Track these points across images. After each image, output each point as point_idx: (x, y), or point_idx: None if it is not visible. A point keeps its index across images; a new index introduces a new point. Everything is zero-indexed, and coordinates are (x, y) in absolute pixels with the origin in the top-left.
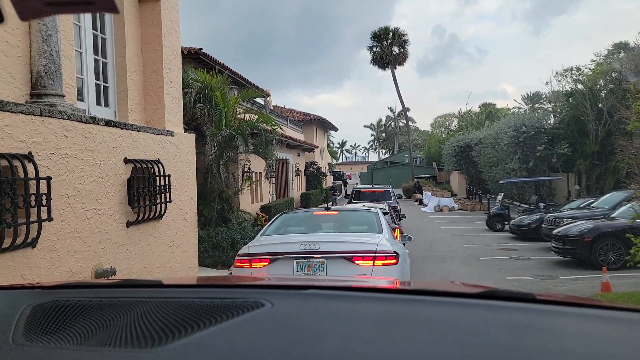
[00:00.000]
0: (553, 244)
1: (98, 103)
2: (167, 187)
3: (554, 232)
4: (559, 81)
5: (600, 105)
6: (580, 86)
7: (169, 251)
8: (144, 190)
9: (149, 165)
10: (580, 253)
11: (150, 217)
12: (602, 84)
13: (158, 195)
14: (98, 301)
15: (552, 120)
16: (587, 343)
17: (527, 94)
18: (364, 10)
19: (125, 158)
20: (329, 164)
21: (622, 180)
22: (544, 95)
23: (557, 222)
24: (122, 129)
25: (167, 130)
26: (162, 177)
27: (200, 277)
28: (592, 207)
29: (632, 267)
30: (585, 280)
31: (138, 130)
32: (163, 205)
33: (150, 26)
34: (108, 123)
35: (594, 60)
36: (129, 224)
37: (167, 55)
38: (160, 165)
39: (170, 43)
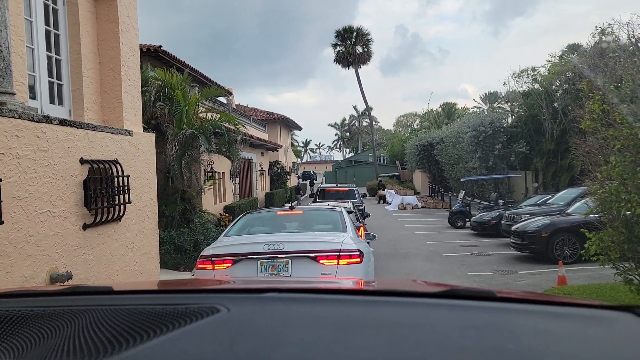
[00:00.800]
0: (512, 240)
1: (52, 101)
2: (126, 188)
3: (513, 228)
4: (516, 81)
5: (555, 104)
6: (536, 86)
7: (128, 254)
8: (102, 191)
9: (107, 166)
10: (538, 248)
11: (109, 219)
12: (557, 84)
13: (116, 197)
14: (40, 311)
15: (509, 120)
16: (546, 341)
17: (486, 94)
18: (328, 9)
19: (82, 158)
20: (293, 163)
21: (577, 177)
22: (501, 95)
23: (515, 218)
24: (77, 128)
25: (126, 130)
26: (120, 178)
27: (155, 281)
28: (549, 203)
29: (586, 261)
30: (542, 275)
31: (95, 130)
32: (122, 206)
33: (107, 22)
34: (62, 122)
35: (549, 61)
36: (85, 227)
37: (124, 53)
38: (118, 165)
39: (128, 40)
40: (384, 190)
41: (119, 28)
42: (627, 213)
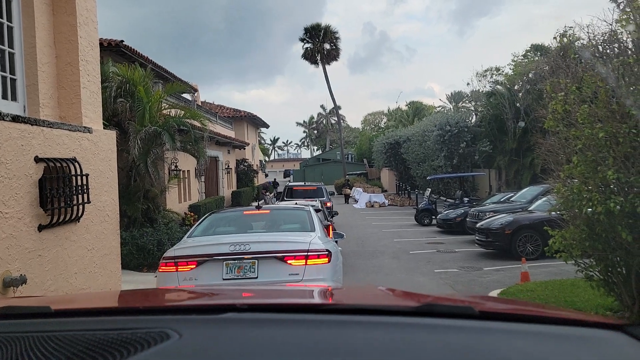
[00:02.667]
0: (477, 237)
1: (4, 97)
2: (85, 187)
3: (478, 225)
4: (480, 81)
5: (517, 104)
6: (499, 86)
7: (87, 255)
8: (59, 191)
9: (64, 164)
10: (502, 245)
11: (66, 219)
12: (520, 85)
13: (74, 196)
14: None
15: (474, 119)
16: None
17: (452, 93)
18: (295, 5)
19: (37, 157)
20: (260, 161)
21: (539, 175)
22: (466, 95)
23: (480, 216)
24: (32, 125)
25: (85, 127)
26: (79, 177)
27: (103, 295)
28: (512, 201)
29: (548, 257)
30: (506, 271)
31: (51, 127)
32: (80, 206)
33: (64, 15)
34: (15, 119)
35: (514, 61)
36: (41, 228)
37: (83, 47)
38: (76, 164)
39: (87, 34)
40: (350, 189)
41: (77, 21)
42: (589, 211)
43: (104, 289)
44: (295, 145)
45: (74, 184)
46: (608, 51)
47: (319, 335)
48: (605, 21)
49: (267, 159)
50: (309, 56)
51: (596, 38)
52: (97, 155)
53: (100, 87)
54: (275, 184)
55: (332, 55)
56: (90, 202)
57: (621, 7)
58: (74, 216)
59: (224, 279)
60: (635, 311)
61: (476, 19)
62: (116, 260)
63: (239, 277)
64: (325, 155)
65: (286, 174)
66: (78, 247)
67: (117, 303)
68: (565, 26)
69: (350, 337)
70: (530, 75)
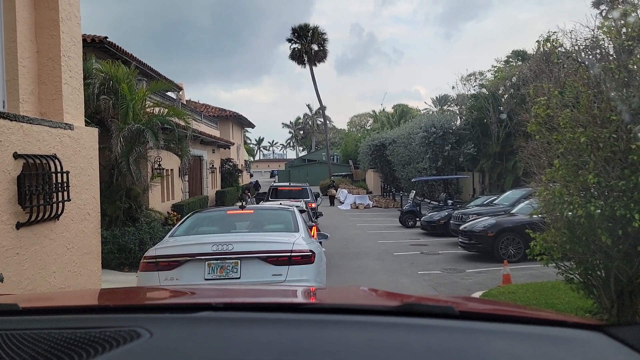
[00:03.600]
0: (460, 239)
1: None
2: (65, 184)
3: (461, 228)
4: (464, 85)
5: (501, 108)
6: (483, 90)
7: (67, 254)
8: (38, 188)
9: (44, 161)
10: (484, 247)
11: (45, 217)
12: (503, 89)
13: (54, 194)
14: None
15: (458, 122)
16: None
17: (437, 97)
18: (283, 5)
19: (15, 153)
20: (245, 161)
21: (522, 178)
22: (451, 98)
23: (463, 218)
24: (11, 120)
25: (66, 123)
26: (59, 174)
27: (73, 293)
28: (495, 204)
29: (529, 260)
30: (488, 273)
31: (31, 123)
32: (60, 204)
33: (46, 9)
34: None
35: (495, 66)
36: (19, 226)
37: (65, 42)
38: (57, 161)
39: (69, 29)
40: (335, 190)
41: (59, 15)
42: (569, 214)
43: (83, 289)
44: (281, 146)
45: (54, 181)
46: (590, 56)
47: (298, 335)
48: (587, 27)
49: (252, 159)
50: (296, 57)
51: (579, 44)
52: (79, 152)
53: (82, 83)
54: (256, 185)
55: (319, 56)
56: (70, 200)
57: (603, 14)
58: (53, 214)
59: (205, 279)
60: (614, 313)
61: (463, 22)
62: (96, 259)
63: (222, 277)
64: (311, 156)
65: (272, 174)
66: (57, 246)
67: (87, 301)
68: (549, 31)
69: (330, 336)
70: (513, 80)
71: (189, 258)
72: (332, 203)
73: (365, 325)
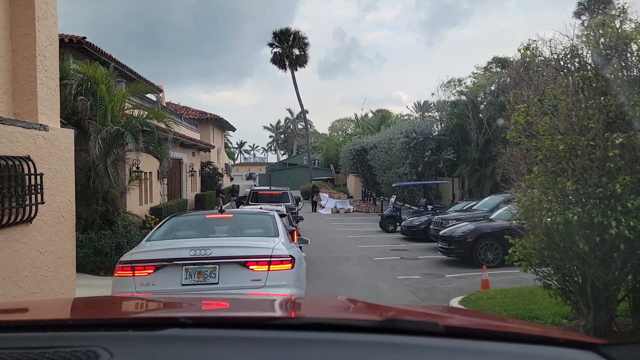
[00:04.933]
0: (439, 245)
1: None
2: (39, 187)
3: (441, 233)
4: (444, 91)
5: (480, 115)
6: (463, 97)
7: (40, 258)
8: (10, 190)
9: (16, 163)
10: (463, 253)
11: (17, 220)
12: (482, 96)
13: (27, 196)
14: None
15: (439, 128)
16: None
17: (418, 102)
18: (266, 8)
19: None
20: (226, 164)
21: (501, 184)
22: (432, 104)
23: (443, 223)
24: None
25: (40, 124)
26: (32, 176)
27: (30, 305)
28: (474, 209)
29: (507, 265)
30: (468, 278)
31: (4, 123)
32: (33, 207)
33: (21, 8)
34: None
35: (475, 73)
36: None
37: (41, 41)
38: (30, 162)
39: (45, 28)
40: (317, 194)
41: (35, 14)
42: (548, 221)
43: (56, 294)
44: (262, 150)
45: (27, 184)
46: (569, 65)
47: (273, 356)
48: (567, 36)
49: (233, 162)
50: (277, 61)
51: (558, 52)
52: (53, 154)
53: (58, 84)
54: (233, 190)
55: (300, 61)
56: (44, 203)
57: (585, 24)
58: (25, 217)
59: (182, 285)
60: (590, 319)
61: (445, 29)
62: (71, 263)
63: (199, 282)
64: (292, 160)
65: (249, 177)
66: (30, 250)
67: (42, 315)
68: (529, 39)
69: (307, 357)
70: (492, 88)
71: (165, 263)
72: (314, 209)
73: (346, 344)
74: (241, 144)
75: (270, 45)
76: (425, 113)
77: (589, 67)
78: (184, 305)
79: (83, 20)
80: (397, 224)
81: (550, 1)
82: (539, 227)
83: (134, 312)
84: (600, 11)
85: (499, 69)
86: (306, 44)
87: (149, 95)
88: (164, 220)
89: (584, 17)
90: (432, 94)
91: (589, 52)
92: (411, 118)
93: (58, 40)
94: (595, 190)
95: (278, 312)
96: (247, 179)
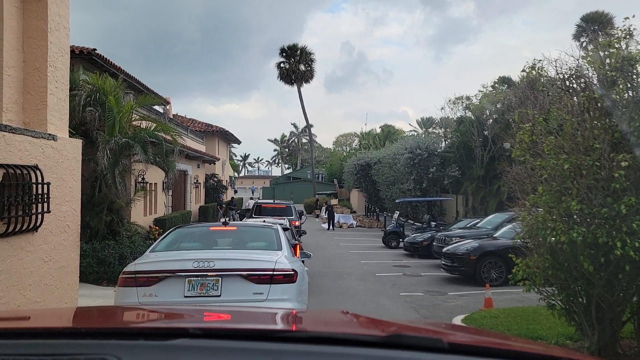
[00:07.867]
0: (443, 262)
1: None
2: (46, 196)
3: (444, 250)
4: (452, 108)
5: (485, 133)
6: (469, 114)
7: (44, 267)
8: (17, 198)
9: (25, 172)
10: (467, 270)
11: (23, 229)
12: (488, 114)
13: (34, 205)
14: None
15: (443, 144)
16: None
17: (423, 119)
18: (274, 21)
19: None
20: (230, 177)
21: (505, 203)
22: (436, 121)
23: (446, 240)
24: None
25: (49, 134)
26: (40, 185)
27: (41, 312)
28: (478, 227)
29: (511, 284)
30: (470, 296)
31: (13, 132)
32: (39, 215)
33: (35, 19)
34: None
35: (481, 91)
36: None
37: (52, 52)
38: (38, 171)
39: (57, 39)
40: (319, 209)
41: (48, 26)
42: (552, 240)
43: (59, 303)
44: (266, 163)
45: (34, 192)
46: (575, 85)
47: None
48: (572, 56)
49: (237, 175)
50: (284, 76)
51: (563, 72)
52: (61, 163)
53: (68, 94)
54: (232, 202)
55: (306, 77)
56: (50, 212)
57: (584, 45)
58: (31, 226)
59: (185, 296)
60: (595, 341)
61: (453, 45)
62: (74, 273)
63: (202, 294)
64: (296, 174)
65: (252, 192)
66: (34, 258)
67: (55, 323)
68: (534, 59)
69: None
70: (498, 106)
71: (168, 274)
72: (331, 227)
73: (350, 358)
74: (246, 157)
75: (278, 65)
76: (430, 129)
77: (594, 87)
78: (193, 316)
79: (92, 30)
80: (400, 240)
81: (557, 21)
82: (543, 246)
83: (144, 321)
84: (600, 33)
85: (504, 88)
86: (312, 60)
87: (156, 107)
88: (168, 232)
89: (582, 39)
90: (441, 109)
91: (595, 73)
92: (416, 134)
93: (69, 52)
94: (600, 210)
95: (285, 325)
96: (252, 193)
